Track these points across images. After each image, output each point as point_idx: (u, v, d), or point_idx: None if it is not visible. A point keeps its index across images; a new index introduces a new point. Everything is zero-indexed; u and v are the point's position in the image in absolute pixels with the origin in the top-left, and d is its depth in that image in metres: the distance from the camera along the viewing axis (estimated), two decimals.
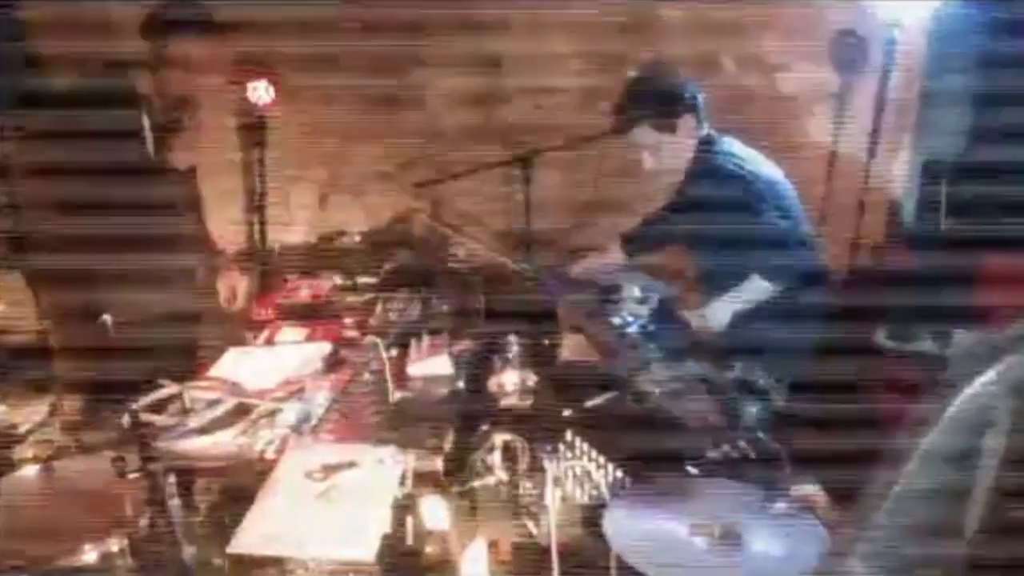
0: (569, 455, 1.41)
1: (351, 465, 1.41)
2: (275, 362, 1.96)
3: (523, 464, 1.40)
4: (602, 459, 1.40)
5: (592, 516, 1.28)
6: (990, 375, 0.63)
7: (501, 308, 2.22)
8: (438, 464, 1.44)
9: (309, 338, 2.16)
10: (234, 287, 2.55)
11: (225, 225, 3.31)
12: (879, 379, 2.85)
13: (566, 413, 1.66)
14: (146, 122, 2.24)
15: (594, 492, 1.36)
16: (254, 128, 3.49)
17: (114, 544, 1.15)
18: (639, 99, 2.32)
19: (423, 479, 1.40)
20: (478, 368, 1.87)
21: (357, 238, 3.15)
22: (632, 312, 2.09)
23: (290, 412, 1.67)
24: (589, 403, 1.70)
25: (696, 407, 1.67)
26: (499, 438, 1.44)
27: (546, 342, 2.02)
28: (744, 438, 1.50)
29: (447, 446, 1.51)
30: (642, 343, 2.00)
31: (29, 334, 2.60)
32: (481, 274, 2.52)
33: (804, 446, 1.47)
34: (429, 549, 1.25)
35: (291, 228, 3.69)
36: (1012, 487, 0.67)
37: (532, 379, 1.77)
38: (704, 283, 2.47)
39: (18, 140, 2.25)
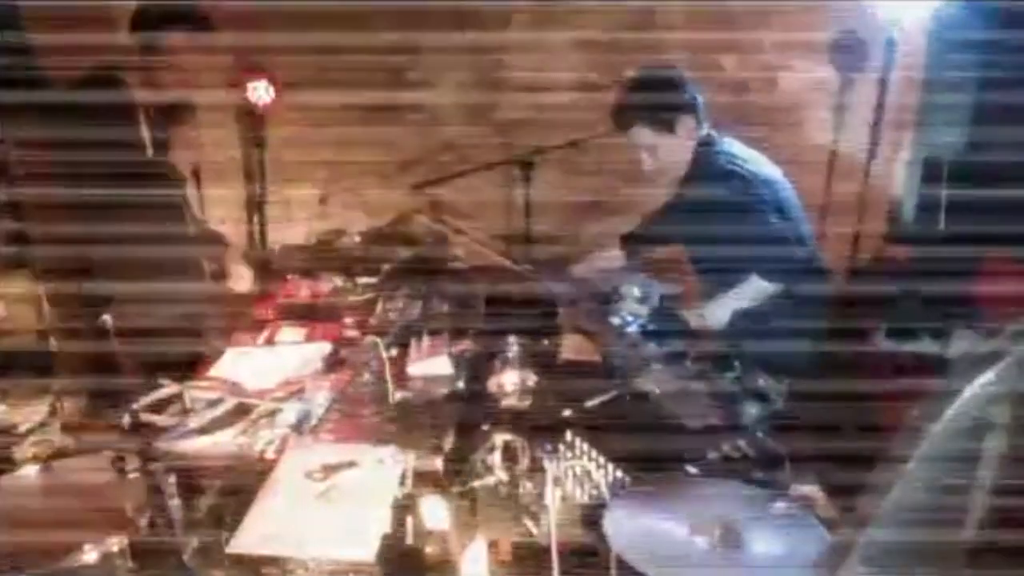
0: (569, 455, 1.41)
1: (351, 465, 1.42)
2: (275, 362, 1.96)
3: (523, 464, 1.40)
4: (602, 459, 1.40)
5: (592, 516, 1.28)
6: (990, 375, 0.63)
7: (501, 308, 2.22)
8: (438, 464, 1.44)
9: (309, 338, 2.16)
10: (240, 270, 2.56)
11: (225, 225, 3.32)
12: (879, 379, 2.85)
13: (566, 413, 1.66)
14: (143, 123, 2.21)
15: (594, 492, 1.36)
16: (254, 128, 3.50)
17: (114, 544, 1.15)
18: (637, 101, 2.32)
19: (423, 479, 1.40)
20: (478, 368, 1.87)
21: (357, 238, 3.15)
22: (632, 312, 2.09)
23: (290, 412, 1.67)
24: (589, 403, 1.70)
25: (696, 407, 1.67)
26: (499, 438, 1.44)
27: (546, 342, 2.02)
28: (744, 438, 1.50)
29: (447, 446, 1.51)
30: (642, 343, 2.00)
31: (29, 334, 2.61)
32: (481, 274, 2.52)
33: (804, 446, 1.47)
34: (429, 549, 1.25)
35: (291, 228, 3.70)
36: (1012, 488, 0.67)
37: (532, 379, 1.77)
38: (704, 283, 2.47)
39: (14, 144, 2.25)
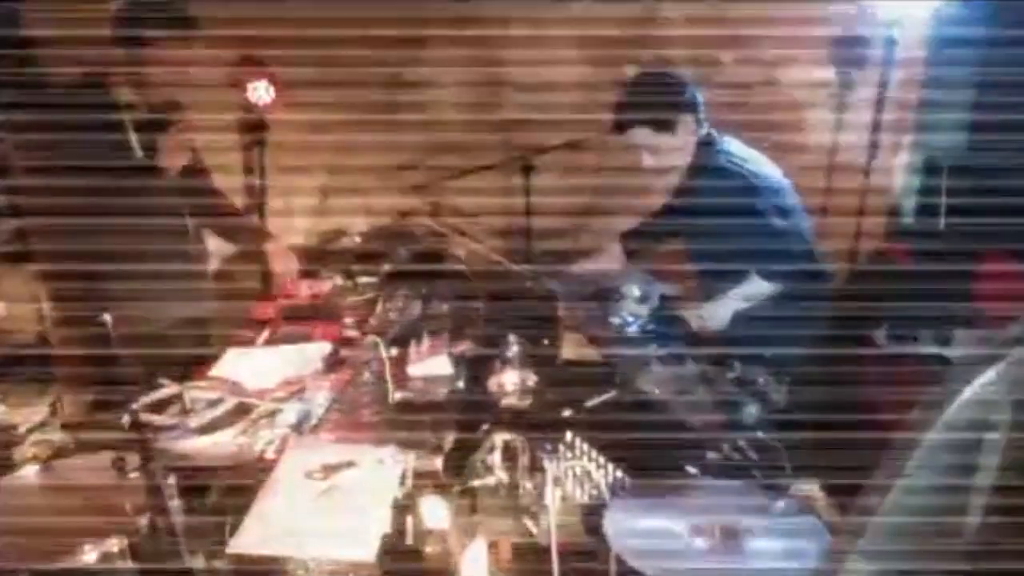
0: (569, 455, 1.41)
1: (351, 465, 1.42)
2: (275, 362, 1.96)
3: (523, 464, 1.40)
4: (602, 459, 1.40)
5: (592, 516, 1.28)
6: (990, 375, 0.63)
7: (501, 308, 2.22)
8: (438, 464, 1.44)
9: (309, 338, 2.16)
10: (287, 263, 2.57)
11: None
12: (879, 379, 2.85)
13: (566, 413, 1.66)
14: (130, 127, 2.17)
15: (594, 492, 1.36)
16: (254, 128, 3.49)
17: (114, 544, 1.15)
18: (638, 100, 2.32)
19: (423, 479, 1.40)
20: (478, 368, 1.87)
21: (357, 238, 3.15)
22: (632, 312, 2.09)
23: (290, 412, 1.67)
24: (589, 403, 1.70)
25: (696, 407, 1.67)
26: (499, 438, 1.44)
27: (546, 342, 2.02)
28: (744, 438, 1.50)
29: (447, 446, 1.51)
30: (642, 343, 2.00)
31: (29, 334, 2.61)
32: (481, 274, 2.52)
33: (804, 446, 1.47)
34: (429, 549, 1.25)
35: (291, 228, 3.70)
36: (1012, 487, 0.67)
37: (532, 379, 1.77)
38: (704, 283, 2.47)
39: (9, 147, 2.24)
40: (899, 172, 3.62)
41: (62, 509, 1.27)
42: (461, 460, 1.45)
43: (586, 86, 3.41)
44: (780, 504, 1.25)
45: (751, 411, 1.63)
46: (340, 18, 3.20)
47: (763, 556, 1.15)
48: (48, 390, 1.70)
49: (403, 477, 1.38)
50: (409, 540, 1.25)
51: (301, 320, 2.30)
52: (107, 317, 2.13)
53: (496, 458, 1.42)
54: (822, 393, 1.88)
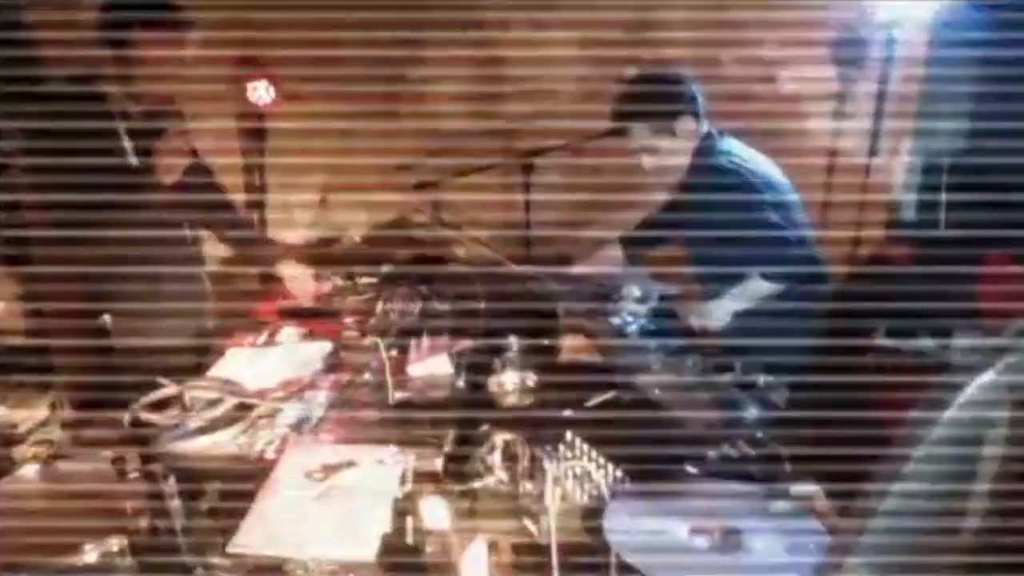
0: (569, 455, 1.41)
1: (351, 465, 1.42)
2: (275, 362, 1.96)
3: (523, 464, 1.40)
4: (602, 459, 1.40)
5: (592, 516, 1.28)
6: (990, 375, 0.63)
7: (501, 308, 2.22)
8: (438, 464, 1.44)
9: (309, 338, 2.16)
10: (301, 282, 2.48)
11: None
12: (879, 379, 2.85)
13: (566, 413, 1.66)
14: (124, 133, 2.10)
15: (594, 492, 1.36)
16: (254, 128, 3.49)
17: (114, 544, 1.15)
18: (636, 100, 2.32)
19: (423, 479, 1.40)
20: (478, 368, 1.87)
21: (357, 238, 3.15)
22: (632, 312, 2.09)
23: (290, 412, 1.67)
24: (589, 403, 1.70)
25: (696, 407, 1.67)
26: (499, 438, 1.44)
27: (546, 342, 2.02)
28: (744, 438, 1.50)
29: (447, 446, 1.51)
30: (642, 343, 2.00)
31: (29, 334, 2.60)
32: (481, 274, 2.52)
33: (804, 446, 1.47)
34: (429, 549, 1.25)
35: (291, 228, 3.69)
36: (1011, 488, 0.67)
37: (532, 379, 1.77)
38: (704, 283, 2.47)
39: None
40: (899, 172, 3.62)
41: (62, 509, 1.27)
42: (461, 460, 1.45)
43: (586, 86, 3.41)
44: (779, 504, 1.25)
45: (751, 411, 1.62)
46: (340, 18, 3.20)
47: (762, 556, 1.15)
48: (48, 390, 1.70)
49: (403, 477, 1.38)
50: (409, 540, 1.25)
51: (301, 320, 2.30)
52: (107, 318, 2.14)
53: (496, 458, 1.42)
54: (822, 393, 1.88)
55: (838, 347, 2.31)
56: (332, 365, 1.95)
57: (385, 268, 2.65)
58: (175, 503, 1.21)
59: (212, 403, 1.66)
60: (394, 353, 1.92)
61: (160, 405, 1.67)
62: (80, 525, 1.18)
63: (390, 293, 2.44)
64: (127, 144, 2.10)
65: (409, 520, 1.27)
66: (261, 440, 1.58)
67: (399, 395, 1.77)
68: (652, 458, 1.40)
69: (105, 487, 1.27)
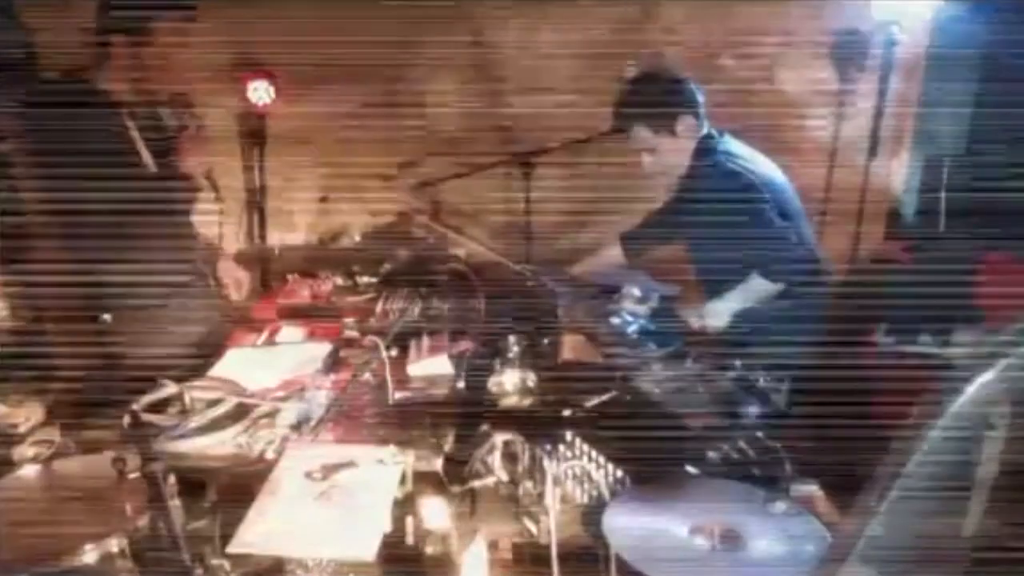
0: (569, 455, 1.41)
1: (351, 465, 1.42)
2: (275, 362, 1.96)
3: (523, 464, 1.40)
4: (602, 459, 1.40)
5: (592, 516, 1.28)
6: (990, 375, 0.63)
7: (501, 308, 2.22)
8: (438, 464, 1.44)
9: (309, 338, 2.16)
10: (238, 278, 2.45)
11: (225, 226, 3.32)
12: (879, 379, 2.84)
13: (566, 413, 1.66)
14: (132, 127, 2.03)
15: (594, 492, 1.36)
16: (254, 128, 3.49)
17: (114, 544, 1.15)
18: (636, 101, 2.32)
19: (423, 479, 1.40)
20: (478, 368, 1.87)
21: (357, 238, 3.16)
22: (632, 312, 2.09)
23: (290, 412, 1.67)
24: (589, 403, 1.70)
25: (696, 407, 1.67)
26: (499, 438, 1.44)
27: (546, 342, 2.02)
28: (744, 438, 1.50)
29: (447, 446, 1.51)
30: (642, 343, 2.00)
31: (29, 334, 2.60)
32: (481, 274, 2.52)
33: (804, 446, 1.47)
34: (429, 549, 1.25)
35: (291, 228, 3.70)
36: (1011, 486, 0.68)
37: (532, 379, 1.77)
38: (704, 283, 2.47)
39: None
40: (899, 171, 3.62)
41: (62, 509, 1.27)
42: (461, 460, 1.45)
43: (586, 86, 3.41)
44: (780, 504, 1.25)
45: (751, 411, 1.62)
46: (340, 18, 3.20)
47: (762, 556, 1.15)
48: (48, 390, 1.70)
49: (403, 477, 1.38)
50: (409, 540, 1.25)
51: (301, 320, 2.30)
52: (107, 317, 2.13)
53: (496, 458, 1.42)
54: (822, 393, 1.88)
55: (838, 347, 2.31)
56: (332, 365, 1.95)
57: (385, 268, 2.65)
58: (175, 503, 1.21)
59: (212, 403, 1.66)
60: (394, 353, 1.92)
61: (160, 405, 1.67)
62: (80, 525, 1.18)
63: (390, 293, 2.44)
64: (140, 143, 2.04)
65: (409, 520, 1.27)
66: (261, 440, 1.58)
67: (399, 395, 1.77)
68: (652, 458, 1.40)
69: (105, 487, 1.27)
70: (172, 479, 1.23)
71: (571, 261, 2.76)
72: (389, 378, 1.78)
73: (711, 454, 1.47)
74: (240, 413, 1.65)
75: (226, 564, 1.20)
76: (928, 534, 0.70)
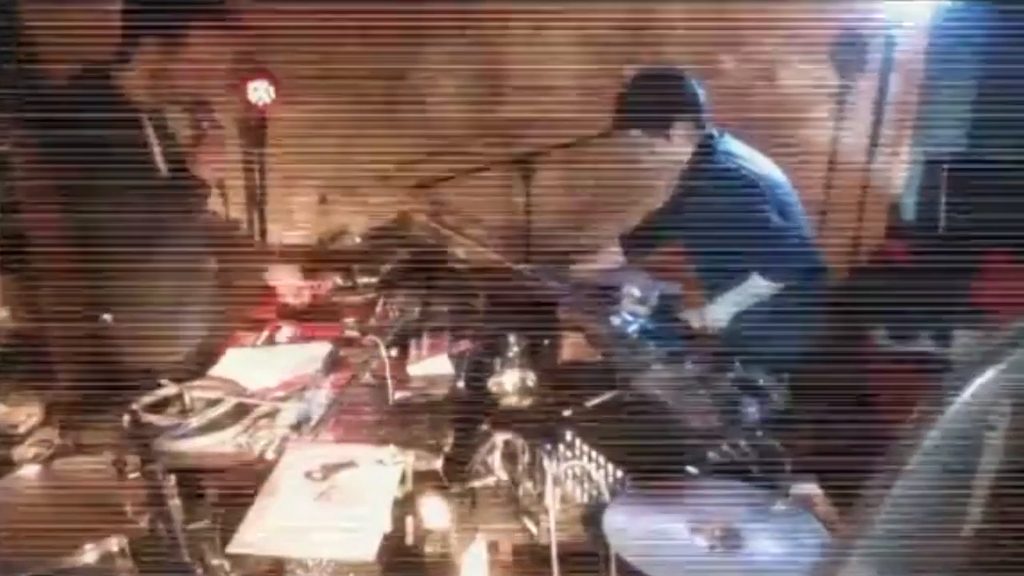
0: (569, 455, 1.41)
1: (351, 465, 1.41)
2: (275, 362, 1.96)
3: (523, 464, 1.40)
4: (602, 459, 1.40)
5: (592, 516, 1.28)
6: (990, 375, 0.63)
7: (501, 308, 2.22)
8: (438, 464, 1.44)
9: (309, 338, 2.16)
10: (292, 284, 2.39)
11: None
12: (878, 378, 2.85)
13: (566, 413, 1.66)
14: (150, 132, 1.97)
15: (594, 492, 1.36)
16: (254, 128, 3.49)
17: (114, 544, 1.14)
18: (631, 104, 2.32)
19: (423, 479, 1.40)
20: (478, 368, 1.87)
21: (357, 238, 3.15)
22: (632, 312, 2.09)
23: (290, 412, 1.67)
24: (589, 403, 1.70)
25: (696, 407, 1.67)
26: (499, 438, 1.44)
27: (546, 342, 2.02)
28: (744, 438, 1.50)
29: (447, 446, 1.51)
30: (642, 343, 2.00)
31: (29, 334, 2.60)
32: (481, 274, 2.52)
33: (804, 446, 1.47)
34: (429, 549, 1.25)
35: (291, 228, 3.70)
36: (1011, 488, 0.67)
37: (532, 379, 1.77)
38: (704, 283, 2.47)
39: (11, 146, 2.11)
40: (899, 171, 3.62)
41: (62, 509, 1.27)
42: (461, 460, 1.45)
43: (586, 86, 3.41)
44: (780, 504, 1.25)
45: (751, 411, 1.62)
46: (340, 18, 3.20)
47: (762, 556, 1.15)
48: (48, 390, 1.70)
49: (403, 477, 1.38)
50: (409, 540, 1.25)
51: (301, 320, 2.30)
52: (107, 317, 2.11)
53: (496, 458, 1.42)
54: (822, 393, 1.88)
55: (839, 347, 2.31)
56: (332, 365, 1.95)
57: (385, 268, 2.65)
58: (175, 503, 1.21)
59: (212, 403, 1.66)
60: (394, 353, 1.92)
61: (160, 405, 1.67)
62: (80, 525, 1.18)
63: (390, 293, 2.44)
64: (156, 150, 1.97)
65: (409, 520, 1.26)
66: (261, 440, 1.57)
67: (399, 395, 1.77)
68: (652, 458, 1.40)
69: (105, 487, 1.27)
70: (172, 479, 1.23)
71: (571, 261, 2.76)
72: (389, 378, 1.78)
73: (711, 454, 1.47)
74: (240, 413, 1.65)
75: (226, 564, 1.19)
76: (927, 534, 0.70)
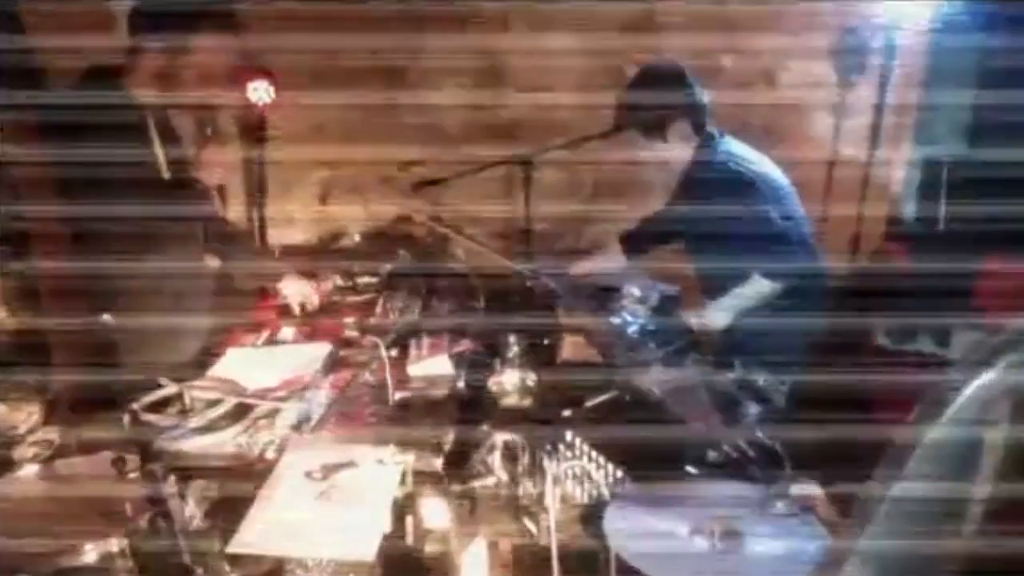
0: (569, 455, 1.41)
1: (351, 465, 1.42)
2: (275, 362, 1.96)
3: (523, 464, 1.40)
4: (602, 459, 1.40)
5: (592, 516, 1.28)
6: (990, 375, 0.63)
7: (501, 308, 2.22)
8: (438, 464, 1.44)
9: (309, 338, 2.16)
10: (304, 293, 2.38)
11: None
12: (879, 379, 2.85)
13: (566, 413, 1.66)
14: (154, 136, 1.97)
15: (594, 492, 1.36)
16: (254, 128, 3.49)
17: (114, 544, 1.15)
18: (632, 102, 2.32)
19: (423, 479, 1.40)
20: (478, 368, 1.87)
21: (357, 238, 3.15)
22: (632, 312, 2.09)
23: (290, 412, 1.67)
24: (589, 403, 1.70)
25: (696, 407, 1.67)
26: (499, 438, 1.44)
27: (546, 342, 2.02)
28: (744, 438, 1.50)
29: (447, 446, 1.51)
30: (642, 343, 2.00)
31: (29, 334, 2.60)
32: (481, 274, 2.53)
33: (804, 446, 1.47)
34: (429, 549, 1.25)
35: (291, 228, 3.70)
36: (1011, 488, 0.67)
37: (532, 379, 1.77)
38: (704, 283, 2.47)
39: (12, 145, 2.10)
40: (899, 171, 3.62)
41: (62, 509, 1.27)
42: (461, 460, 1.45)
43: (586, 86, 3.41)
44: (780, 504, 1.25)
45: (751, 411, 1.63)
46: (340, 18, 3.20)
47: (762, 556, 1.15)
48: (48, 389, 1.70)
49: (403, 477, 1.38)
50: (409, 540, 1.25)
51: (301, 320, 2.30)
52: (107, 317, 2.11)
53: (496, 458, 1.42)
54: (822, 393, 1.88)
55: (838, 346, 2.31)
56: (332, 365, 1.95)
57: (385, 268, 2.65)
58: (175, 503, 1.21)
59: (212, 403, 1.66)
60: (394, 353, 1.92)
61: (160, 405, 1.67)
62: (80, 525, 1.18)
63: (390, 293, 2.44)
64: (160, 153, 1.98)
65: (409, 520, 1.27)
66: (261, 440, 1.57)
67: (399, 395, 1.77)
68: (652, 458, 1.40)
69: (105, 487, 1.27)
70: (172, 479, 1.23)
71: (571, 261, 2.76)
72: (389, 378, 1.78)
73: (711, 454, 1.47)
74: (240, 413, 1.65)
75: (226, 564, 1.20)
76: (928, 535, 0.70)
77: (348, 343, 2.10)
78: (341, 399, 1.77)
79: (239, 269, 2.41)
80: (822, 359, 2.30)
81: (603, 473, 1.38)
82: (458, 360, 1.92)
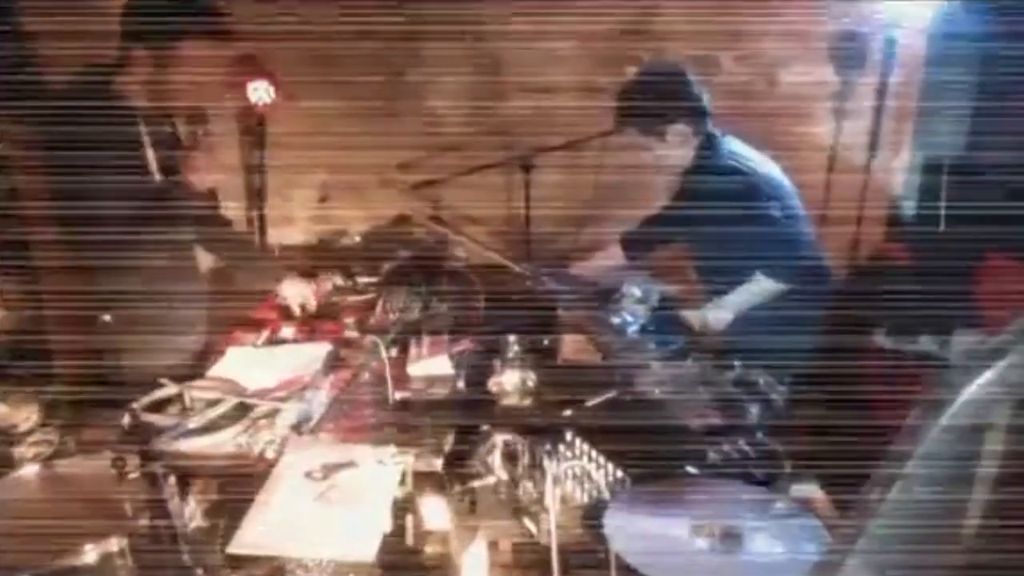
0: (569, 455, 1.41)
1: (351, 465, 1.42)
2: (275, 362, 1.96)
3: (523, 464, 1.40)
4: (602, 459, 1.40)
5: (592, 516, 1.28)
6: (989, 376, 0.63)
7: (501, 308, 2.22)
8: (438, 464, 1.44)
9: (309, 338, 2.16)
10: (304, 296, 2.37)
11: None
12: (879, 379, 2.85)
13: (566, 413, 1.66)
14: (146, 139, 1.96)
15: (594, 492, 1.36)
16: (254, 128, 3.49)
17: (114, 544, 1.15)
18: (631, 103, 2.32)
19: (423, 479, 1.40)
20: (478, 368, 1.87)
21: (357, 238, 3.15)
22: (632, 312, 2.09)
23: (290, 412, 1.67)
24: (589, 403, 1.70)
25: (696, 407, 1.67)
26: (499, 438, 1.44)
27: (546, 342, 2.02)
28: (744, 438, 1.50)
29: (447, 446, 1.51)
30: (642, 343, 2.00)
31: (29, 334, 2.60)
32: (481, 274, 2.52)
33: (804, 446, 1.47)
34: (429, 549, 1.25)
35: (291, 228, 3.70)
36: (1011, 488, 0.67)
37: (532, 379, 1.77)
38: (705, 283, 2.47)
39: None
40: (899, 172, 3.62)
41: (62, 509, 1.27)
42: (461, 460, 1.45)
43: (586, 85, 3.41)
44: (780, 505, 1.25)
45: (751, 411, 1.63)
46: (340, 18, 3.20)
47: (762, 556, 1.15)
48: (48, 389, 1.70)
49: (403, 477, 1.38)
50: (409, 540, 1.25)
51: (301, 320, 2.30)
52: (107, 317, 2.11)
53: (496, 458, 1.42)
54: (822, 393, 1.88)
55: (838, 347, 2.31)
56: (332, 365, 1.95)
57: (385, 268, 2.65)
58: (175, 503, 1.21)
59: (212, 403, 1.66)
60: (394, 353, 1.92)
61: (160, 405, 1.67)
62: (80, 525, 1.18)
63: (390, 293, 2.44)
64: (151, 156, 1.96)
65: (409, 520, 1.27)
66: (261, 440, 1.58)
67: (399, 395, 1.77)
68: (652, 458, 1.40)
69: (105, 487, 1.27)
70: (172, 479, 1.23)
71: (571, 261, 2.76)
72: (389, 378, 1.78)
73: (711, 454, 1.47)
74: (240, 413, 1.65)
75: (226, 564, 1.20)
76: (926, 536, 0.70)
77: (348, 343, 2.10)
78: (341, 399, 1.77)
79: (239, 269, 2.42)
80: (822, 359, 2.30)
81: (603, 473, 1.38)
82: (458, 360, 1.92)
